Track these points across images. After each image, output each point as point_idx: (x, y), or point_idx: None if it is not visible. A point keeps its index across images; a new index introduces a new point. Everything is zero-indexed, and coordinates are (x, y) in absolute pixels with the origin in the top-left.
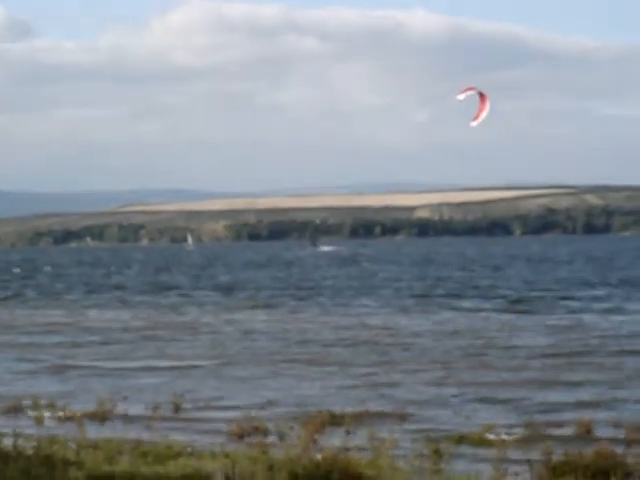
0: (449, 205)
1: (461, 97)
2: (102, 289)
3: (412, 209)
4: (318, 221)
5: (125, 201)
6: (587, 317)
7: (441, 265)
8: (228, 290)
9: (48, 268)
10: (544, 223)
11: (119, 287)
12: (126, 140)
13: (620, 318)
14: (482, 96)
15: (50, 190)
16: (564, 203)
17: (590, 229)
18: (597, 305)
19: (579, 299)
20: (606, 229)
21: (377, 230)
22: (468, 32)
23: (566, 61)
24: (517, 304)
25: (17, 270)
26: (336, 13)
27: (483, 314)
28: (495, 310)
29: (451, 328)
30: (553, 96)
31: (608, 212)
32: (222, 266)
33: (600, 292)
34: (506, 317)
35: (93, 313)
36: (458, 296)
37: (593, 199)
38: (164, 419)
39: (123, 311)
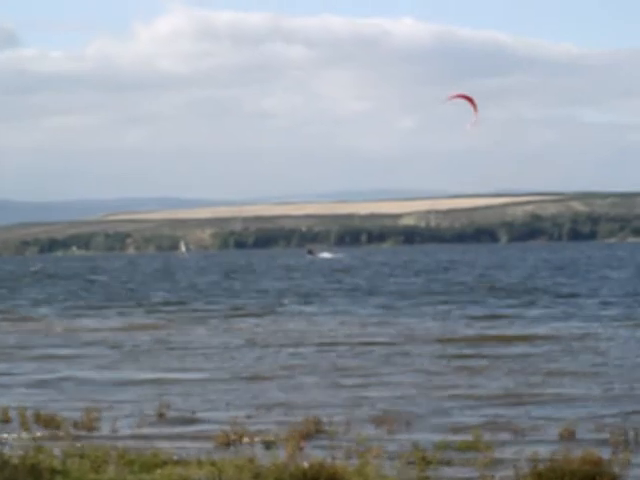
0: (436, 212)
1: (450, 100)
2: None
3: (398, 216)
4: (304, 229)
5: (111, 210)
6: None
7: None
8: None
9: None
10: (530, 230)
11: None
12: (112, 148)
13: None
14: (470, 100)
15: (35, 199)
16: (550, 210)
17: (576, 236)
18: None
19: None
20: (592, 236)
21: (363, 238)
22: (454, 40)
23: (551, 68)
24: None
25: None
26: (323, 21)
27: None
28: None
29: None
30: (538, 103)
31: (593, 219)
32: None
33: None
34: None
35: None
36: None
37: (579, 206)
38: (150, 427)
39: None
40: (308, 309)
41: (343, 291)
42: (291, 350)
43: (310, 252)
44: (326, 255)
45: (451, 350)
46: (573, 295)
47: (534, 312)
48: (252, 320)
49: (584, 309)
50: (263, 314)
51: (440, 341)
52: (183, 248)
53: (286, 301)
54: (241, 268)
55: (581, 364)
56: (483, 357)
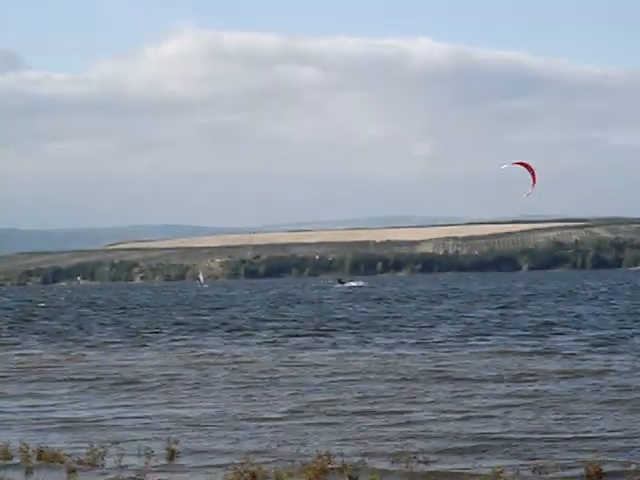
0: (454, 239)
1: (503, 167)
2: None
3: (415, 244)
4: (317, 257)
5: (117, 238)
6: None
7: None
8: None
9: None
10: (552, 257)
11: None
12: (118, 174)
13: None
14: (530, 169)
15: (39, 227)
16: (573, 236)
17: (600, 263)
18: None
19: None
20: (616, 263)
21: (379, 266)
22: (473, 60)
23: (574, 89)
24: None
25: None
26: (337, 42)
27: None
28: None
29: None
30: (561, 125)
31: (618, 245)
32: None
33: None
34: None
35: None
36: None
37: (603, 232)
38: (157, 466)
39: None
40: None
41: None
42: None
43: (340, 281)
44: (353, 284)
45: None
46: None
47: None
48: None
49: None
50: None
51: None
52: (202, 278)
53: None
54: (286, 298)
55: None
56: None
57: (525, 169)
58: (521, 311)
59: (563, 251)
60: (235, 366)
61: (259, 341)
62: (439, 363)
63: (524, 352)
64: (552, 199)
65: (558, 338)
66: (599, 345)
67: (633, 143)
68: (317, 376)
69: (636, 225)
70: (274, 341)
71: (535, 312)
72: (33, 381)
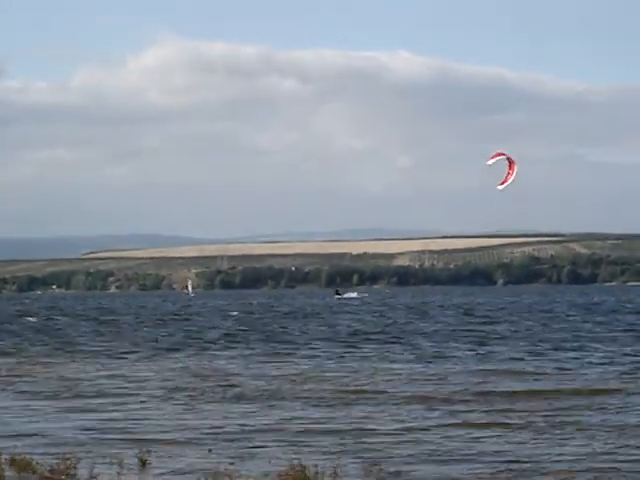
0: (430, 252)
1: (490, 162)
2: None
3: (392, 256)
4: (294, 268)
5: (93, 247)
6: None
7: None
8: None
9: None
10: (528, 272)
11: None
12: (96, 183)
13: None
14: (510, 162)
15: (14, 235)
16: (549, 251)
17: (575, 278)
18: None
19: None
20: (592, 278)
21: (355, 278)
22: (453, 74)
23: (555, 105)
24: None
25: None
26: (318, 54)
27: None
28: None
29: None
30: (540, 141)
31: (594, 261)
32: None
33: None
34: None
35: None
36: None
37: (579, 247)
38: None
39: None
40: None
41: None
42: None
43: (337, 292)
44: (352, 295)
45: None
46: None
47: None
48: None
49: None
50: None
51: None
52: (190, 288)
53: None
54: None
55: None
56: None
57: (506, 161)
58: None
59: (539, 266)
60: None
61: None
62: None
63: None
64: (529, 214)
65: None
66: None
67: (612, 160)
68: None
69: (612, 241)
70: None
71: None
72: None
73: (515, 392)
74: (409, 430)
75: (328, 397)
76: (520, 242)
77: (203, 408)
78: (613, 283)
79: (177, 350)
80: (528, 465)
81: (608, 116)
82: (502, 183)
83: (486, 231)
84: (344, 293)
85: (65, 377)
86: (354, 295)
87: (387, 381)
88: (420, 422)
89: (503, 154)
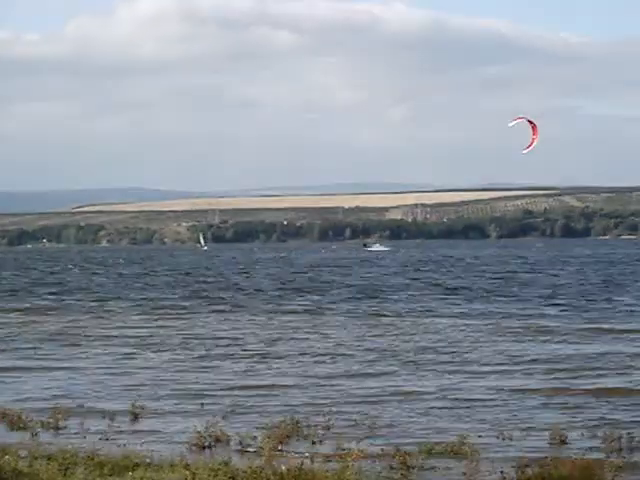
0: (422, 206)
1: (511, 124)
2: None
3: (384, 210)
4: (285, 222)
5: (83, 201)
6: None
7: None
8: None
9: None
10: (521, 226)
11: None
12: (86, 136)
13: None
14: (533, 126)
15: (4, 189)
16: (542, 205)
17: (569, 232)
18: None
19: None
20: (586, 232)
21: (347, 232)
22: (448, 27)
23: (550, 58)
24: None
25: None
26: (311, 5)
27: None
28: None
29: None
30: (536, 94)
31: (587, 214)
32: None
33: None
34: None
35: None
36: None
37: (572, 201)
38: (122, 428)
39: None
40: None
41: None
42: None
43: (365, 245)
44: (380, 248)
45: None
46: None
47: None
48: None
49: None
50: None
51: None
52: (202, 241)
53: None
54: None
55: None
56: None
57: (528, 124)
58: None
59: (532, 219)
60: None
61: None
62: None
63: None
64: (523, 168)
65: None
66: None
67: (608, 113)
68: None
69: (605, 194)
70: None
71: None
72: None
73: None
74: None
75: None
76: (513, 195)
77: None
78: (607, 237)
79: None
80: None
81: (602, 68)
82: (527, 147)
83: (479, 185)
84: (371, 245)
85: None
86: (381, 248)
87: None
88: None
89: (524, 117)
